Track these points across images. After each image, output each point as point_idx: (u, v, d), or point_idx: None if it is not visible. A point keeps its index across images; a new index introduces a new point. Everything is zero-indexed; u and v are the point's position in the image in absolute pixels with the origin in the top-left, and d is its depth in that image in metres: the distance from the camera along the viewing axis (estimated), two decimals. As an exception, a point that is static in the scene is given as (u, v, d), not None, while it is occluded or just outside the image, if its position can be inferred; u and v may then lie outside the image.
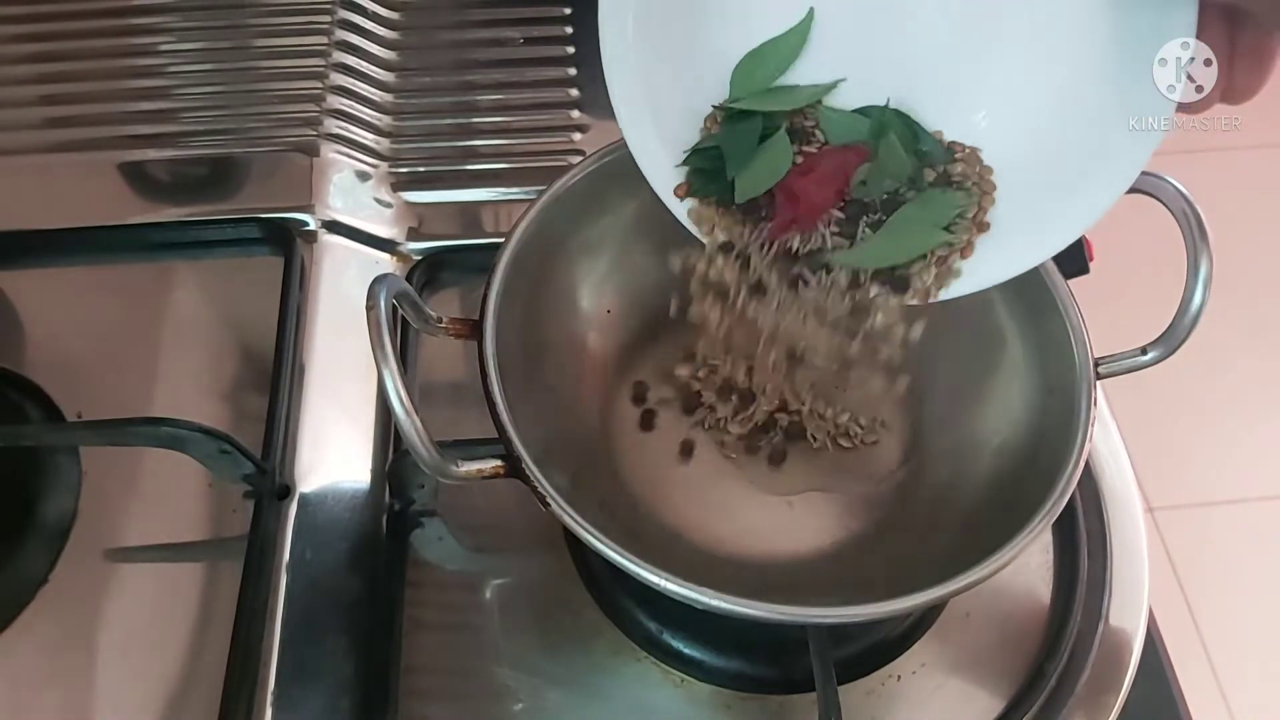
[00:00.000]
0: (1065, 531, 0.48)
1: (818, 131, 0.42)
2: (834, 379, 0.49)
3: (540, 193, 0.46)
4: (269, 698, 0.42)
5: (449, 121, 0.63)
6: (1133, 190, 0.43)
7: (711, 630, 0.44)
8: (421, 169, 0.60)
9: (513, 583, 0.46)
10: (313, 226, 0.56)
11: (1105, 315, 0.55)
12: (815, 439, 0.49)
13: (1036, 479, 0.41)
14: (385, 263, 0.56)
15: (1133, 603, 0.46)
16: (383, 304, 0.36)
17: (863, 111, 0.43)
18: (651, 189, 0.42)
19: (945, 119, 0.43)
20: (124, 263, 0.56)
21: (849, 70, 0.43)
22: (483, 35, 0.67)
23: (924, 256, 0.41)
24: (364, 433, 0.50)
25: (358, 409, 0.51)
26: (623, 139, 0.42)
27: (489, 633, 0.45)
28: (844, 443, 0.49)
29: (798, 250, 0.41)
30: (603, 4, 0.40)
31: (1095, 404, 0.41)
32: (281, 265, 0.54)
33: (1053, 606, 0.46)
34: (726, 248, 0.42)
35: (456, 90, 0.64)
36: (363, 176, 0.59)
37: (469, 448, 0.40)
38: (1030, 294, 0.46)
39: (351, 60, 0.64)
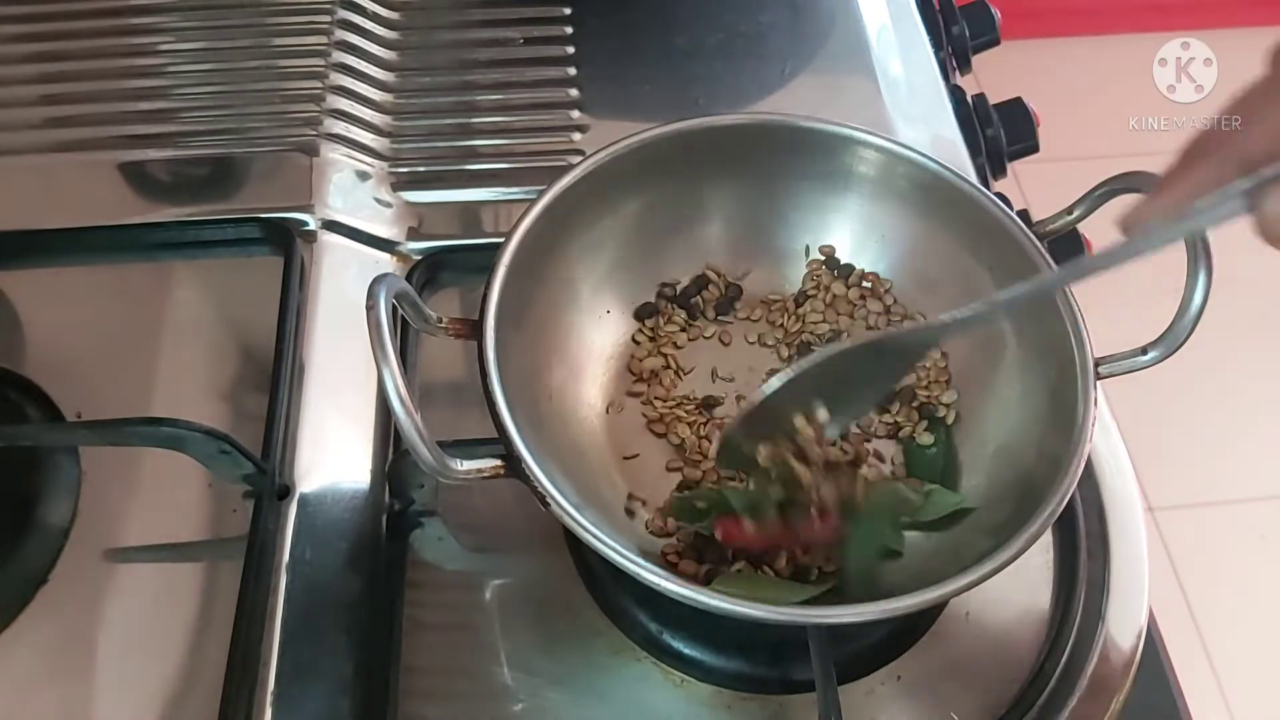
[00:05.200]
0: (1065, 532, 0.48)
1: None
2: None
3: (540, 193, 0.46)
4: (269, 698, 0.42)
5: (449, 121, 0.63)
6: (1132, 190, 0.44)
7: (711, 630, 0.44)
8: (421, 169, 0.60)
9: (513, 583, 0.46)
10: (312, 226, 0.56)
11: (1105, 315, 0.55)
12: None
13: (1037, 479, 0.41)
14: (385, 263, 0.56)
15: (1133, 603, 0.46)
16: (383, 304, 0.36)
17: None
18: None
19: None
20: (124, 263, 0.55)
21: None
22: (483, 35, 0.67)
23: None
24: (364, 433, 0.50)
25: (358, 409, 0.51)
26: (623, 138, 0.42)
27: (489, 633, 0.45)
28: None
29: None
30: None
31: (1095, 404, 0.41)
32: (281, 265, 0.54)
33: (1053, 606, 0.46)
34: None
35: (456, 90, 0.64)
36: (363, 176, 0.59)
37: (469, 448, 0.40)
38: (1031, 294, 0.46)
39: (351, 60, 0.64)
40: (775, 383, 0.42)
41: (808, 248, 0.53)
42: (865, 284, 0.52)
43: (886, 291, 0.52)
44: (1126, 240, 0.33)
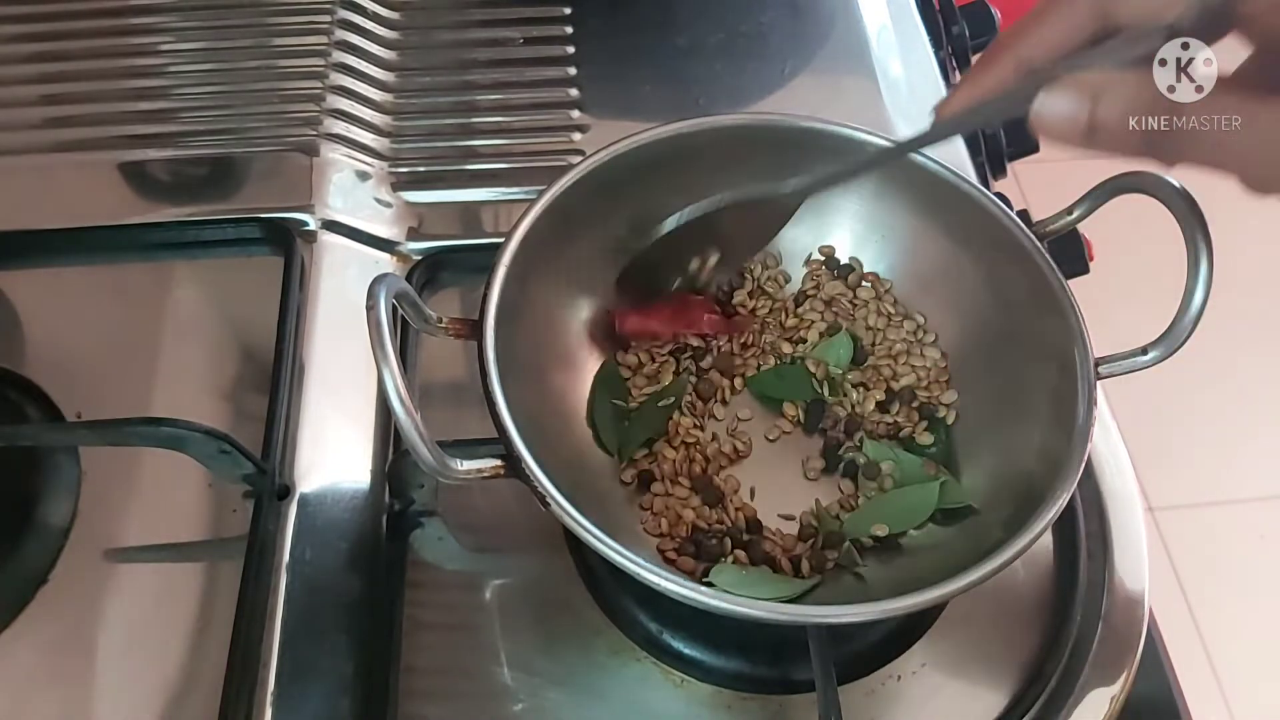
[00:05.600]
0: (1065, 531, 0.48)
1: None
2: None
3: (540, 193, 0.46)
4: (269, 698, 0.42)
5: (449, 121, 0.63)
6: (1133, 190, 0.44)
7: (711, 630, 0.44)
8: (421, 169, 0.60)
9: (513, 583, 0.46)
10: (313, 226, 0.56)
11: (1105, 315, 0.55)
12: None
13: (1037, 479, 0.41)
14: (385, 263, 0.56)
15: (1133, 603, 0.46)
16: (383, 304, 0.36)
17: None
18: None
19: None
20: (124, 263, 0.55)
21: None
22: (483, 35, 0.67)
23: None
24: (364, 433, 0.50)
25: (358, 409, 0.51)
26: (623, 138, 0.41)
27: (489, 633, 0.45)
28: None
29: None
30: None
31: (1095, 404, 0.41)
32: (281, 265, 0.54)
33: (1053, 606, 0.46)
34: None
35: (456, 90, 0.64)
36: (363, 176, 0.59)
37: (469, 448, 0.40)
38: (1030, 294, 0.46)
39: (351, 60, 0.64)
40: (672, 222, 0.47)
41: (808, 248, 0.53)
42: (865, 284, 0.52)
43: (887, 292, 0.52)
44: (934, 124, 0.39)
